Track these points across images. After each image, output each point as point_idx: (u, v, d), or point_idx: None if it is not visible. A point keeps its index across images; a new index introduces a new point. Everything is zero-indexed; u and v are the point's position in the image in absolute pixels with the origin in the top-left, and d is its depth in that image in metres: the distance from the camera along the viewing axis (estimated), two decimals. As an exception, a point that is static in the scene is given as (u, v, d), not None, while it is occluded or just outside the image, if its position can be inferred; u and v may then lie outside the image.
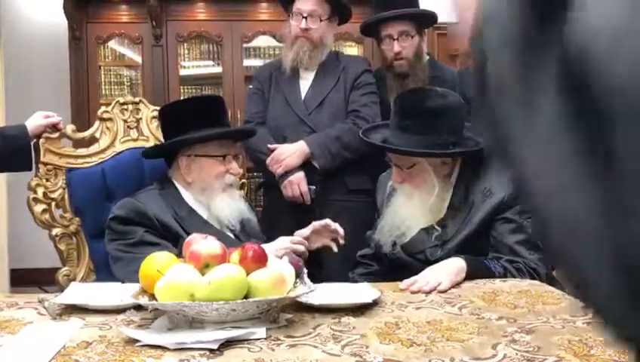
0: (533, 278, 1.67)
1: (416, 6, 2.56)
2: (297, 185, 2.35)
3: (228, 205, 1.86)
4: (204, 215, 1.84)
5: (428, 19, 2.60)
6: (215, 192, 1.84)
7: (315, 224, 1.81)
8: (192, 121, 1.86)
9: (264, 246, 1.70)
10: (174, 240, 1.72)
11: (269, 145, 2.38)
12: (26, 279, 4.23)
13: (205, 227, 1.73)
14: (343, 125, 2.41)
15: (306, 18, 2.42)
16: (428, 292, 1.54)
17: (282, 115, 2.48)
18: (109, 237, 1.79)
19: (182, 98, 4.46)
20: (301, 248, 1.75)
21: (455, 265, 1.66)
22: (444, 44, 4.34)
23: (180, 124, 1.88)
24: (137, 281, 1.34)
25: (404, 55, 2.49)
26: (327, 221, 1.82)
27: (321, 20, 2.44)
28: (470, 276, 1.64)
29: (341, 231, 1.83)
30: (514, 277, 1.67)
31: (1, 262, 4.12)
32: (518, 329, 1.23)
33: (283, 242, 1.75)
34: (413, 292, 1.55)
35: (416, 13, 2.53)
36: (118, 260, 1.76)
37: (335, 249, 1.84)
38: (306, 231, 1.82)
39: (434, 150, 1.78)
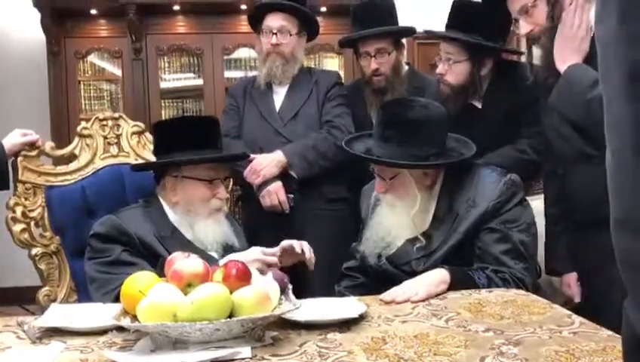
0: (519, 288, 1.67)
1: (394, 20, 2.56)
2: (276, 194, 2.37)
3: (212, 230, 1.82)
4: (188, 235, 1.81)
5: (405, 34, 2.63)
6: (199, 216, 1.81)
7: (284, 244, 1.76)
8: (182, 142, 1.83)
9: (235, 255, 1.68)
10: (155, 260, 1.69)
11: (248, 155, 2.37)
12: (6, 297, 4.16)
13: (188, 247, 1.70)
14: (318, 135, 2.45)
15: (275, 34, 2.47)
16: (401, 302, 1.54)
17: (257, 127, 2.51)
18: (88, 255, 1.76)
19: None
20: (272, 259, 1.70)
21: (437, 277, 1.66)
22: (425, 52, 4.36)
23: (170, 142, 1.85)
24: (112, 302, 1.31)
25: (381, 71, 2.52)
26: (293, 243, 1.75)
27: (290, 35, 2.49)
28: (454, 287, 1.64)
29: (308, 254, 1.76)
30: (499, 287, 1.67)
31: (-20, 282, 4.05)
32: (506, 341, 1.22)
33: (253, 253, 1.71)
34: (386, 303, 1.55)
35: (392, 30, 2.53)
36: (93, 281, 1.73)
37: (311, 267, 1.81)
38: (275, 250, 1.75)
39: (415, 161, 1.78)
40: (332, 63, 4.49)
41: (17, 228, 2.02)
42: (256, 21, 2.57)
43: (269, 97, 2.55)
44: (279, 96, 2.55)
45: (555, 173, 1.91)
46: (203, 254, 1.68)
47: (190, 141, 1.83)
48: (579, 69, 1.62)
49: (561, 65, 1.66)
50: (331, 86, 2.56)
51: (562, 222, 1.91)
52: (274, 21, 2.48)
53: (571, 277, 1.91)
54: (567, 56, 1.65)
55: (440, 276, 1.66)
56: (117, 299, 1.57)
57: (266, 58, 2.51)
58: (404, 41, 2.69)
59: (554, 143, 1.83)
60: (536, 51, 1.84)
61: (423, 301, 1.55)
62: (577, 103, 1.58)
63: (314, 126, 2.50)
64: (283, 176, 2.39)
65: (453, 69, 2.26)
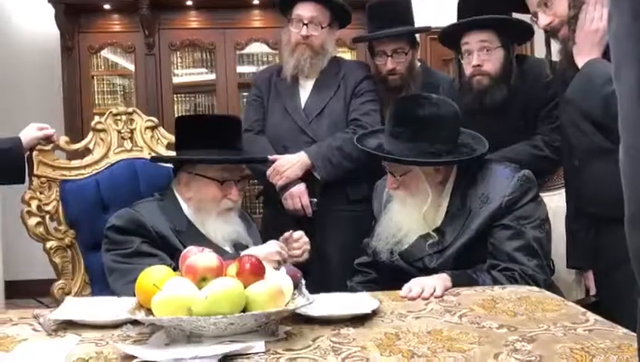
0: (530, 286, 1.66)
1: (411, 19, 2.54)
2: (298, 197, 2.33)
3: (221, 229, 1.82)
4: (202, 229, 1.82)
5: (422, 33, 2.59)
6: (209, 215, 1.81)
7: (286, 235, 1.83)
8: (201, 139, 1.83)
9: (253, 249, 1.69)
10: (171, 253, 1.70)
11: (270, 157, 2.34)
12: (20, 291, 4.20)
13: (203, 241, 1.71)
14: (344, 135, 2.37)
15: (306, 25, 2.37)
16: (427, 298, 1.55)
17: (281, 123, 2.44)
18: (106, 247, 1.77)
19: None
20: (291, 253, 1.74)
21: (440, 277, 1.66)
22: (437, 49, 4.34)
23: (190, 139, 1.85)
24: (133, 293, 1.32)
25: (397, 71, 2.48)
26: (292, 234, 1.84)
27: (322, 27, 2.40)
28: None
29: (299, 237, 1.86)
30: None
31: (-5, 275, 4.09)
32: (520, 337, 1.22)
33: (271, 247, 1.74)
34: (410, 299, 1.55)
35: (410, 31, 2.51)
36: (113, 271, 1.73)
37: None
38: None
39: (425, 158, 1.78)
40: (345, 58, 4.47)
41: (32, 221, 2.04)
42: (285, 6, 2.46)
43: (294, 91, 2.46)
44: (305, 90, 2.46)
45: (574, 167, 1.89)
46: (217, 249, 1.68)
47: (209, 139, 1.83)
48: (597, 64, 1.61)
49: (580, 60, 1.65)
50: (360, 80, 2.46)
51: (582, 216, 1.90)
52: (305, 11, 2.38)
53: (592, 274, 1.91)
54: (586, 51, 1.63)
55: (442, 276, 1.67)
56: None
57: (294, 49, 2.41)
58: (417, 38, 2.66)
59: (571, 138, 1.81)
60: (555, 47, 1.82)
61: (439, 297, 1.56)
62: (595, 98, 1.57)
63: (339, 124, 2.41)
64: (307, 177, 2.34)
65: (490, 57, 2.18)
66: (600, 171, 1.70)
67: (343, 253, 2.29)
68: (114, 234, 1.76)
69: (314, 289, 1.42)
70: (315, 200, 2.35)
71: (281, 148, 2.40)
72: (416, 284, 1.60)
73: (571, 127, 1.79)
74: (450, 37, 2.29)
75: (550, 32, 1.80)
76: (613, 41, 0.67)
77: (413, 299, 1.55)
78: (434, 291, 1.57)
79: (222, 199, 1.81)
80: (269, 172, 2.35)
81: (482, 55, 2.18)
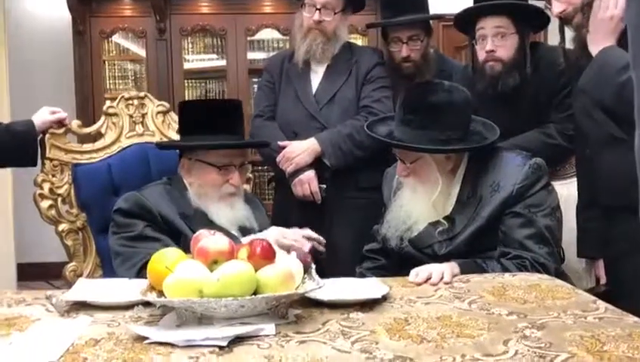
0: (541, 274, 1.66)
1: (426, 5, 2.51)
2: (308, 184, 2.33)
3: (224, 214, 1.81)
4: (208, 214, 1.82)
5: (438, 19, 2.57)
6: (211, 200, 1.81)
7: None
8: (202, 124, 1.82)
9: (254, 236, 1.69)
10: (177, 237, 1.72)
11: (280, 143, 2.35)
12: (32, 273, 4.25)
13: (210, 226, 1.72)
14: (355, 122, 2.36)
15: (319, 10, 2.36)
16: (436, 283, 1.55)
17: (292, 109, 2.44)
18: (112, 230, 1.79)
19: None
20: (290, 243, 1.70)
21: (448, 264, 1.66)
22: (450, 35, 4.31)
23: (191, 124, 1.85)
24: (135, 276, 1.33)
25: (412, 58, 2.46)
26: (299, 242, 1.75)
27: (335, 13, 2.38)
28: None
29: (316, 236, 1.80)
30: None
31: (7, 257, 4.13)
32: (529, 324, 1.22)
33: (272, 234, 1.72)
34: (418, 284, 1.55)
35: (427, 18, 2.48)
36: (117, 256, 1.75)
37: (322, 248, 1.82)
38: (292, 235, 1.77)
39: (436, 146, 1.77)
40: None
41: (45, 204, 2.06)
42: None
43: (306, 77, 2.45)
44: (317, 76, 2.46)
45: (586, 156, 1.88)
46: (226, 233, 1.69)
47: (209, 125, 1.82)
48: (611, 52, 1.59)
49: (594, 48, 1.63)
50: (372, 67, 2.44)
51: (593, 206, 1.89)
52: None
53: (602, 263, 1.90)
54: (600, 39, 1.62)
55: (450, 264, 1.66)
56: (140, 273, 1.61)
57: (306, 34, 2.40)
58: (431, 24, 2.64)
59: (584, 127, 1.80)
60: (569, 34, 1.80)
61: (448, 283, 1.56)
62: (609, 86, 1.55)
63: (351, 111, 2.40)
64: (316, 164, 2.34)
65: (504, 43, 2.15)
66: (612, 160, 1.69)
67: (351, 239, 2.30)
68: (119, 217, 1.77)
69: (322, 275, 1.43)
70: (325, 186, 2.35)
71: (291, 134, 2.40)
72: (424, 270, 1.60)
73: (584, 116, 1.78)
74: (466, 21, 2.27)
75: (564, 20, 1.78)
76: (631, 29, 0.67)
77: (419, 284, 1.55)
78: (442, 277, 1.57)
79: (223, 184, 1.80)
80: (278, 158, 2.35)
81: (496, 41, 2.16)
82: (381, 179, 2.13)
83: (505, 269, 1.69)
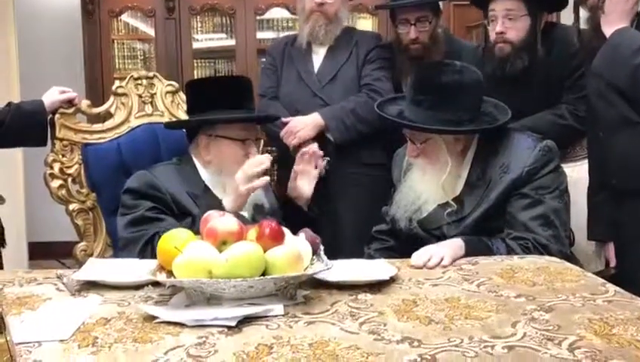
0: (542, 255, 1.65)
1: None
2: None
3: None
4: (220, 195, 1.82)
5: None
6: (232, 176, 1.80)
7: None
8: (217, 101, 1.83)
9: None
10: (186, 216, 1.73)
11: (283, 119, 2.37)
12: (43, 252, 4.29)
13: (219, 206, 1.72)
14: (358, 98, 2.41)
15: None
16: (433, 267, 1.54)
17: (295, 89, 2.48)
18: (120, 211, 1.81)
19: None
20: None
21: (457, 242, 1.66)
22: (462, 15, 4.26)
23: (204, 101, 1.86)
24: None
25: (420, 39, 2.44)
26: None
27: None
28: (470, 255, 1.63)
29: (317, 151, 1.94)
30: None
31: (19, 236, 4.16)
32: (538, 307, 1.22)
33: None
34: (417, 268, 1.55)
35: (435, 0, 2.46)
36: (119, 239, 1.79)
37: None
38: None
39: (446, 126, 1.76)
40: (365, 24, 4.40)
41: (55, 184, 2.07)
42: None
43: (308, 58, 2.51)
44: (319, 56, 2.51)
45: (598, 138, 1.86)
46: (235, 214, 1.69)
47: (223, 101, 1.84)
48: (626, 33, 1.57)
49: (608, 29, 1.61)
50: (372, 48, 2.50)
51: (604, 189, 1.88)
52: None
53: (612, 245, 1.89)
54: (614, 20, 1.59)
55: (457, 242, 1.66)
56: (141, 253, 1.66)
57: (308, 17, 2.46)
58: (440, 4, 2.61)
59: (597, 109, 1.78)
60: (583, 15, 1.78)
61: (450, 264, 1.56)
62: (623, 68, 1.54)
63: (352, 89, 2.45)
64: (320, 138, 2.36)
65: (514, 25, 2.13)
66: (624, 143, 1.67)
67: (354, 213, 2.36)
68: (127, 197, 1.79)
69: (325, 249, 1.43)
70: (328, 159, 2.36)
71: (294, 111, 2.43)
72: (425, 253, 1.60)
73: (597, 98, 1.76)
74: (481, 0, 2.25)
75: (579, 0, 1.76)
76: None
77: (419, 267, 1.55)
78: (441, 261, 1.57)
79: (244, 159, 1.81)
80: (282, 132, 2.38)
81: (506, 22, 2.13)
82: (384, 156, 2.13)
83: (509, 249, 1.69)
